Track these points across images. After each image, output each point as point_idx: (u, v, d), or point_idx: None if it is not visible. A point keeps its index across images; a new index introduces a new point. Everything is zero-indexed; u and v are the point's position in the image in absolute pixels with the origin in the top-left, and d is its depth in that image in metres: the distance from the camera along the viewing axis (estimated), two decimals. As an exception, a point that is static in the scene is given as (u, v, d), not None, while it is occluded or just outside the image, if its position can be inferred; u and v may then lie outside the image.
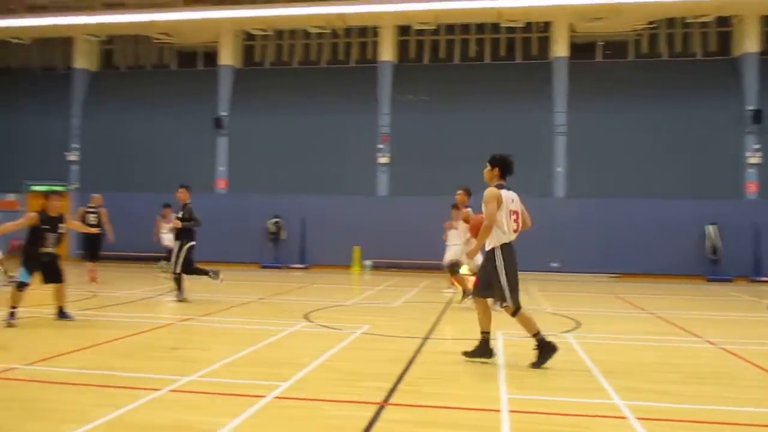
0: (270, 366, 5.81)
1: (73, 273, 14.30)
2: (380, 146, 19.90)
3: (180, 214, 10.84)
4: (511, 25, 19.50)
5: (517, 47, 20.67)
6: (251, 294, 12.22)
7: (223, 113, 20.68)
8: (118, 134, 21.15)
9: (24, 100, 22.00)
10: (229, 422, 4.09)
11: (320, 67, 21.38)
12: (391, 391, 5.02)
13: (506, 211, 5.95)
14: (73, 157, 21.46)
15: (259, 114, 20.62)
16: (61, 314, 8.31)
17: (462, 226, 10.36)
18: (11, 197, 21.23)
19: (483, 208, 6.07)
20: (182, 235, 10.79)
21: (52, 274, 8.22)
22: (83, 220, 13.76)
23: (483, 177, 6.27)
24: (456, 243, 11.37)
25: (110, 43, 22.40)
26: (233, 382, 5.17)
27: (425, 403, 4.73)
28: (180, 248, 10.73)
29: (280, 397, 4.76)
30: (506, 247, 5.96)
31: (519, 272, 6.06)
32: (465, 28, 20.76)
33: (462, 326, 8.47)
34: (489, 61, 20.69)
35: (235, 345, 6.76)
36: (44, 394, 4.79)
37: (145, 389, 4.84)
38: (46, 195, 8.38)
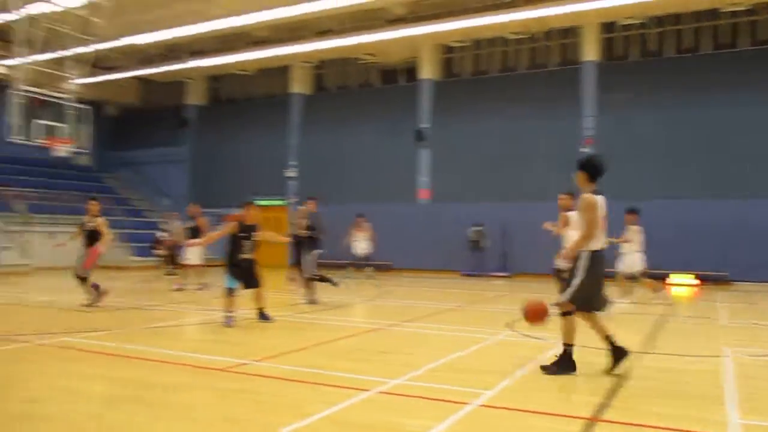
0: (474, 373, 5.80)
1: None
2: (584, 149, 19.01)
3: (307, 223, 11.68)
4: (735, 9, 17.53)
5: (741, 33, 18.53)
6: (453, 301, 12.34)
7: (425, 125, 21.27)
8: (330, 150, 22.76)
9: (248, 125, 24.64)
10: (435, 426, 4.14)
11: (519, 73, 21.06)
12: (603, 406, 4.73)
13: (602, 217, 5.78)
14: (291, 173, 23.52)
15: (459, 124, 20.88)
16: (261, 316, 8.99)
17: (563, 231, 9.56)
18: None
19: (580, 216, 5.87)
20: (309, 242, 11.52)
21: (250, 280, 8.90)
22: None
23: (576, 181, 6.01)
24: (636, 250, 11.27)
25: (321, 68, 24.22)
26: (438, 387, 5.24)
27: (641, 421, 4.37)
28: (310, 254, 11.46)
29: (484, 405, 4.71)
30: (596, 254, 5.75)
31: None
32: (677, 18, 19.10)
33: (681, 339, 7.76)
34: (708, 51, 18.79)
35: (439, 351, 6.86)
36: (269, 387, 5.27)
37: (357, 389, 5.09)
38: (245, 205, 9.18)
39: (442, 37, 20.32)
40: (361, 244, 17.07)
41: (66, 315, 9.83)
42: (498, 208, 19.46)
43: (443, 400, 4.82)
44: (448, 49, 21.70)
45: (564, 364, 5.76)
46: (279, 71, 24.67)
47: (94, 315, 9.76)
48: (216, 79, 26.44)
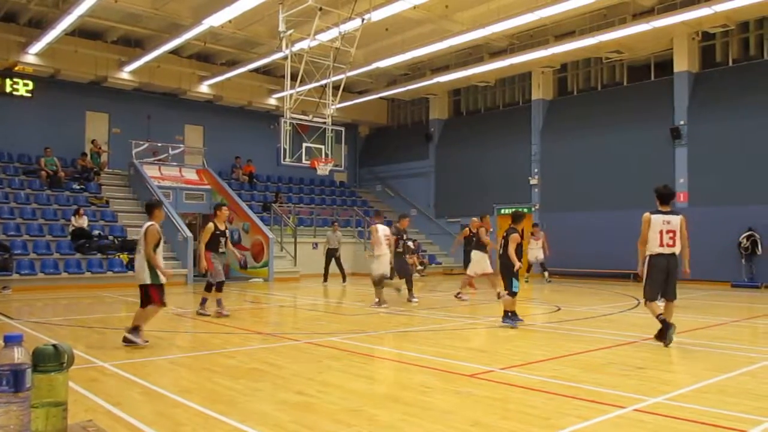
0: (750, 399, 5.08)
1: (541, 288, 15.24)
2: None
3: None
4: None
5: None
6: (724, 316, 11.01)
7: (681, 122, 19.42)
8: (574, 155, 21.89)
9: (490, 135, 24.80)
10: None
11: (798, 54, 18.20)
12: None
13: (655, 230, 7.67)
14: (534, 181, 23.15)
15: (722, 119, 18.62)
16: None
17: None
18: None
19: None
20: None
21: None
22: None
23: None
24: None
25: (563, 71, 23.50)
26: (705, 410, 4.69)
27: None
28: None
29: (765, 435, 4.11)
30: (653, 257, 7.73)
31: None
32: None
33: None
34: None
35: (708, 370, 6.18)
36: (515, 396, 5.20)
37: (610, 405, 4.79)
38: (523, 216, 9.91)
39: (699, 24, 18.36)
40: (534, 251, 18.24)
41: (329, 317, 10.83)
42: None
43: (712, 425, 4.30)
44: (707, 36, 19.48)
45: (665, 330, 7.54)
46: (520, 79, 24.55)
47: (353, 318, 10.60)
48: (457, 92, 27.17)
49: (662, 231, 7.64)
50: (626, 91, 21.48)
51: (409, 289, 12.83)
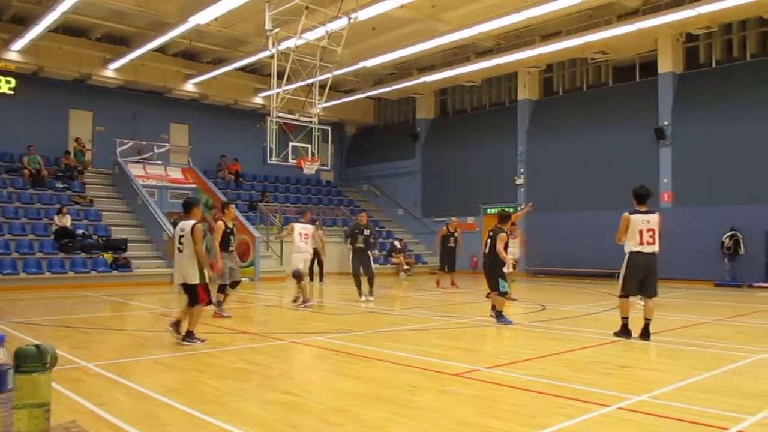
0: (732, 396, 5.14)
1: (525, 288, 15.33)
2: None
3: None
4: None
5: None
6: (707, 314, 11.14)
7: (665, 123, 19.59)
8: (559, 155, 22.02)
9: (477, 134, 24.87)
10: (687, 450, 3.75)
11: (779, 56, 18.41)
12: None
13: (635, 229, 7.92)
14: (520, 180, 23.24)
15: (705, 120, 18.82)
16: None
17: None
18: (470, 220, 24.17)
19: None
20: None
21: None
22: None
23: None
24: None
25: (549, 71, 23.61)
26: (688, 407, 4.74)
27: None
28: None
29: (747, 432, 4.16)
30: (633, 255, 7.98)
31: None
32: None
33: None
34: None
35: (691, 368, 6.23)
36: (502, 395, 5.22)
37: (595, 404, 4.82)
38: (508, 215, 10.16)
39: (683, 26, 18.53)
40: (512, 249, 18.07)
41: (314, 316, 10.81)
42: (758, 211, 17.16)
43: (694, 423, 4.34)
44: (691, 38, 19.67)
45: (622, 332, 8.18)
46: (506, 79, 24.63)
47: (338, 318, 10.59)
48: (444, 92, 27.22)
49: (642, 230, 7.88)
50: (611, 92, 21.64)
51: (370, 286, 13.05)
